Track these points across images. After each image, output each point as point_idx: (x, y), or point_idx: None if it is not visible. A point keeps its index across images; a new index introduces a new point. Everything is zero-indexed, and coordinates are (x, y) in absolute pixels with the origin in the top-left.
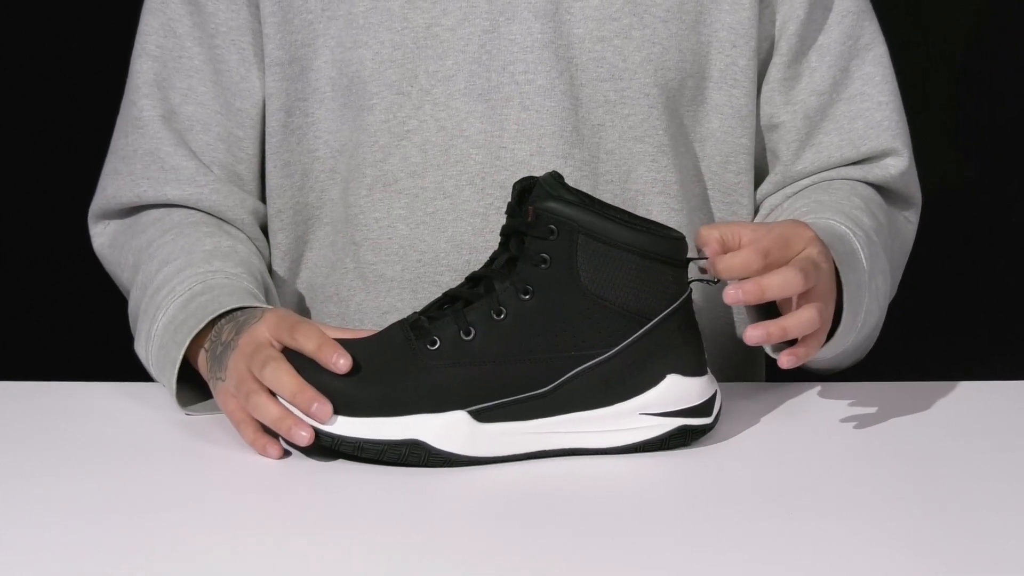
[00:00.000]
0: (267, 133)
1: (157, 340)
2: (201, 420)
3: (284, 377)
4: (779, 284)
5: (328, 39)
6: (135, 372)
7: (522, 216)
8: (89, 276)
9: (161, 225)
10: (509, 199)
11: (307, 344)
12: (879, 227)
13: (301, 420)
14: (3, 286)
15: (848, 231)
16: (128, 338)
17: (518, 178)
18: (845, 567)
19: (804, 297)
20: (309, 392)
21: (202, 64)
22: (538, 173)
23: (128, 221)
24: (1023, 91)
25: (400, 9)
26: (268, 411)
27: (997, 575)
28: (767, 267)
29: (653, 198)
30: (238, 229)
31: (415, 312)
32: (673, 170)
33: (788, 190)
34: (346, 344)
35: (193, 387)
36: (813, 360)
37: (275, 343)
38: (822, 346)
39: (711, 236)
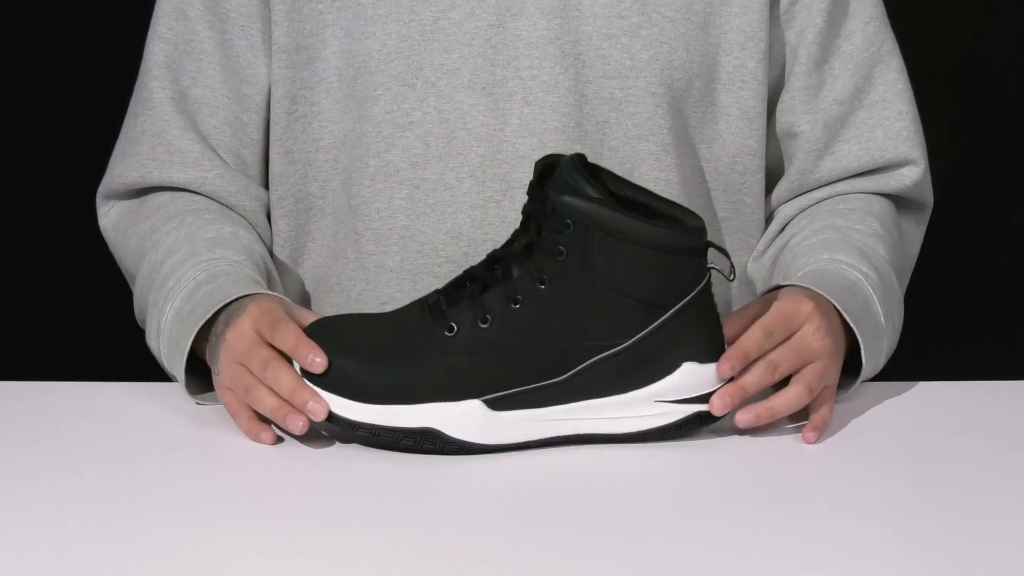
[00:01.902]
0: (271, 120)
1: (167, 332)
2: (202, 420)
3: (283, 377)
4: (788, 404)
5: (337, 29)
6: (135, 372)
7: (540, 200)
8: (89, 276)
9: (165, 212)
10: (509, 190)
11: (283, 345)
12: (893, 251)
13: (296, 410)
14: (3, 286)
15: (860, 277)
16: (128, 336)
17: (518, 173)
18: (845, 566)
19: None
20: (306, 392)
21: (212, 48)
22: None
23: (133, 204)
24: None
25: (408, 2)
26: (266, 402)
27: (997, 575)
28: (771, 345)
29: None
30: (240, 215)
31: (436, 291)
32: (676, 169)
33: (803, 200)
34: (365, 328)
35: (205, 377)
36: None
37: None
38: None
39: (724, 369)
